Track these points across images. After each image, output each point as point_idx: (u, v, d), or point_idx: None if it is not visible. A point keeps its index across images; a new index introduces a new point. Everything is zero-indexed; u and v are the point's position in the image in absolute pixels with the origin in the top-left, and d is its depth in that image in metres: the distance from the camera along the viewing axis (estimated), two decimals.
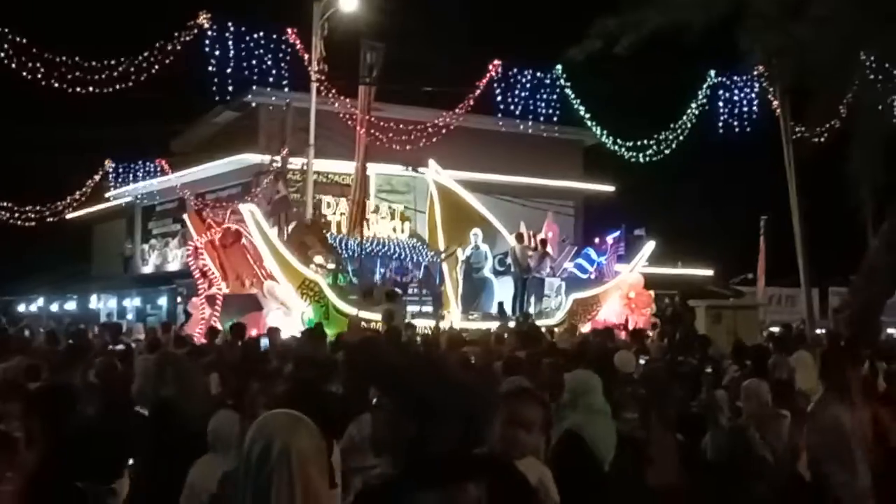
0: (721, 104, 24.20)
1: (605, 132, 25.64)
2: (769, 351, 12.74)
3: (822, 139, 22.61)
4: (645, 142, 25.00)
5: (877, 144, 21.19)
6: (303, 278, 18.73)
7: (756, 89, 23.55)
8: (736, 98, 23.89)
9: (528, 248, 21.76)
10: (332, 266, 19.98)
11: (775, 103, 22.63)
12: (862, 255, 21.80)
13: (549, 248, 22.45)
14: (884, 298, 21.75)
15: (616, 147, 25.22)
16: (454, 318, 20.34)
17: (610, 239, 24.69)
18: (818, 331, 20.80)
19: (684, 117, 24.65)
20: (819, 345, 16.00)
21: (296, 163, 25.23)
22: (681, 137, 24.58)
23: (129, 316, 32.38)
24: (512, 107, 23.91)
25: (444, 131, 25.43)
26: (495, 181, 26.81)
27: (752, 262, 29.75)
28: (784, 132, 21.73)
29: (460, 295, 21.46)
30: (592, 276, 23.89)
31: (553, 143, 29.04)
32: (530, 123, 26.18)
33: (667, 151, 24.68)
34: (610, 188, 31.80)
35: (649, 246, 23.96)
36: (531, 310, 20.90)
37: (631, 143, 25.06)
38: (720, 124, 23.95)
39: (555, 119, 24.90)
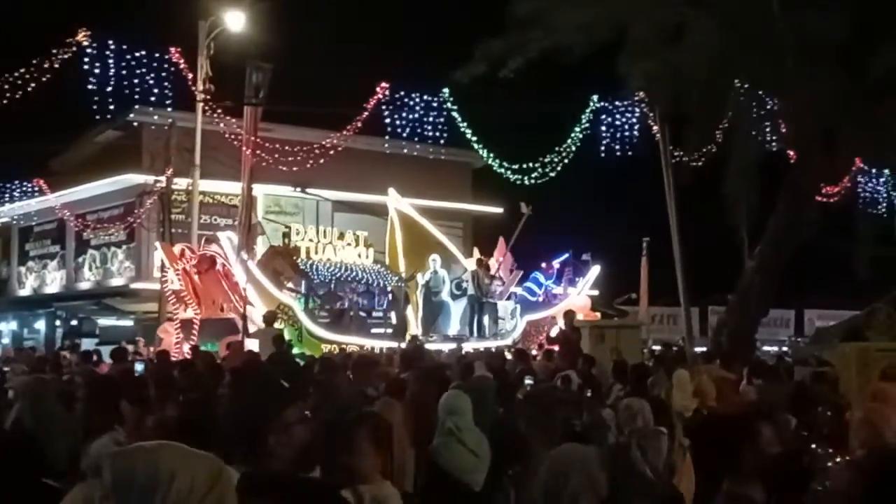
0: (604, 128, 24.62)
1: (491, 155, 25.83)
2: (649, 369, 13.13)
3: (700, 163, 23.16)
4: (531, 164, 25.23)
5: (751, 168, 21.81)
6: (278, 303, 19.35)
7: (637, 114, 24.03)
8: (618, 122, 24.33)
9: (487, 274, 22.67)
10: (303, 290, 20.72)
11: (655, 128, 23.06)
12: (739, 275, 22.38)
13: (498, 272, 23.54)
14: (758, 317, 22.38)
15: (502, 170, 25.39)
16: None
17: (556, 263, 25.18)
18: (697, 349, 21.18)
19: (568, 140, 24.99)
20: (696, 362, 16.36)
21: (181, 183, 24.67)
22: (565, 160, 24.90)
23: (5, 340, 31.05)
24: (400, 129, 23.89)
25: (331, 152, 25.25)
26: (384, 202, 26.68)
27: (635, 282, 30.30)
28: (664, 156, 22.11)
29: (420, 318, 22.30)
30: (541, 300, 24.41)
31: (441, 164, 29.19)
32: (418, 145, 26.20)
33: (552, 174, 24.96)
34: (498, 210, 32.00)
35: (594, 270, 24.64)
36: (486, 331, 22.09)
37: (517, 166, 25.26)
38: (602, 148, 24.33)
39: (442, 141, 24.95)
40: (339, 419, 4.62)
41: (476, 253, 24.33)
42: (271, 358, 13.08)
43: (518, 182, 25.32)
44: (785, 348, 28.60)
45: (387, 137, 24.91)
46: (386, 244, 24.39)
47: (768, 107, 22.53)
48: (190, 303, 20.05)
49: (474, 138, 25.15)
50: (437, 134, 24.66)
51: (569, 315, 19.76)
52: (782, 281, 22.43)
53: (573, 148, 24.96)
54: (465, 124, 24.69)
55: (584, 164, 25.78)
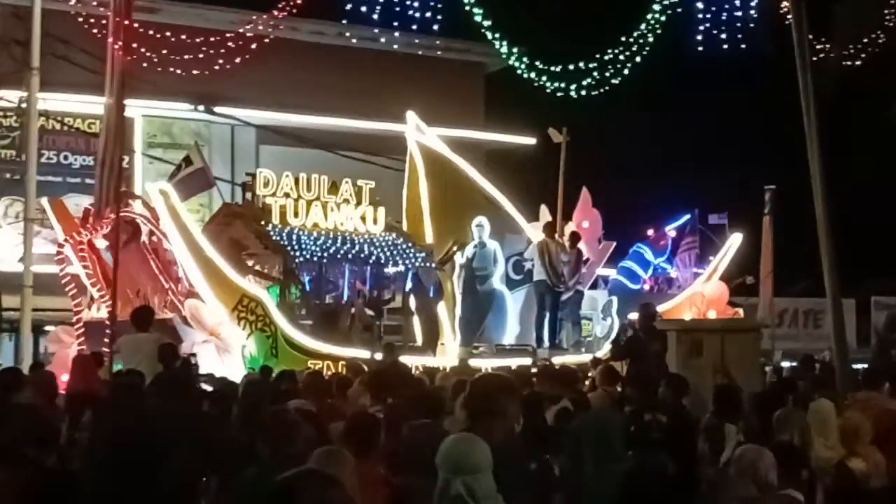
0: (700, 6, 24.30)
1: (516, 50, 25.59)
2: (775, 398, 12.96)
3: (858, 62, 22.96)
4: (582, 65, 25.00)
5: None
6: (240, 295, 19.70)
7: None
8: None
9: (562, 246, 23.26)
10: (277, 274, 21.26)
11: (785, 5, 22.80)
12: None
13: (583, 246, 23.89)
14: None
15: (534, 74, 25.17)
16: (449, 351, 21.78)
17: (671, 230, 26.47)
18: (855, 366, 21.01)
19: (641, 27, 24.73)
20: (858, 387, 16.25)
21: (8, 96, 24.67)
22: (635, 59, 24.66)
23: None
24: (366, 7, 23.55)
25: (254, 45, 25.03)
26: (339, 128, 26.49)
27: (753, 258, 30.03)
28: (799, 52, 21.83)
29: (458, 317, 22.94)
30: (648, 286, 25.74)
31: (436, 67, 29.29)
32: (395, 34, 26.01)
33: (615, 81, 24.71)
34: (529, 140, 31.89)
35: (735, 239, 25.23)
36: (565, 338, 22.85)
37: (559, 68, 25.02)
38: (698, 40, 24.04)
39: (436, 28, 24.64)
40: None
41: (545, 213, 24.43)
42: (159, 383, 12.90)
43: (560, 93, 25.07)
44: None
45: (344, 22, 24.63)
46: (404, 201, 24.59)
47: None
48: (99, 295, 20.34)
49: (487, 23, 24.87)
50: (428, 16, 24.32)
51: (646, 310, 19.91)
52: None
53: (648, 39, 24.67)
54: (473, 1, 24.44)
55: (664, 67, 25.66)
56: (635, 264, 26.17)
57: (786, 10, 22.95)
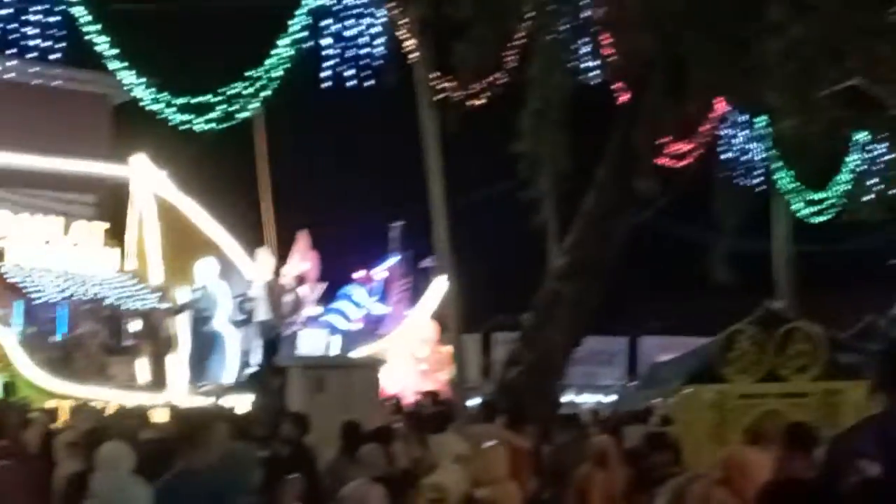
0: (328, 42, 24.39)
1: (144, 81, 25.02)
2: (393, 432, 14.01)
3: (482, 100, 23.36)
4: (208, 98, 24.65)
5: (558, 111, 22.13)
6: None
7: (381, 18, 23.95)
8: (349, 33, 24.14)
9: (285, 287, 23.65)
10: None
11: (410, 43, 23.08)
12: (538, 284, 22.80)
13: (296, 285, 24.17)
14: (568, 348, 22.83)
15: (160, 107, 24.67)
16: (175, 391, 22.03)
17: (381, 271, 26.66)
18: (469, 402, 21.47)
19: (270, 60, 24.59)
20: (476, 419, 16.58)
21: None
22: (263, 92, 24.49)
23: None
24: None
25: None
26: None
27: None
28: (422, 89, 22.19)
29: (185, 357, 23.45)
30: (360, 327, 26.16)
31: (56, 98, 28.20)
32: (16, 63, 25.08)
33: (241, 115, 24.48)
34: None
35: (442, 282, 25.00)
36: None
37: (184, 101, 24.59)
38: (325, 75, 24.14)
39: (56, 57, 23.92)
40: None
41: (265, 254, 24.26)
42: None
43: (186, 127, 24.66)
44: (611, 396, 29.53)
45: None
46: (131, 243, 24.83)
47: (586, 13, 22.98)
48: None
49: (112, 52, 24.27)
50: (48, 45, 23.54)
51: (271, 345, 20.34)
52: (605, 292, 22.95)
53: (276, 73, 24.54)
54: (96, 30, 23.77)
55: (294, 99, 25.72)
56: (347, 303, 26.36)
57: (411, 47, 23.32)
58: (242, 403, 20.09)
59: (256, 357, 22.78)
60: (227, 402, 20.68)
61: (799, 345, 11.16)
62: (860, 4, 20.21)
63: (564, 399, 25.75)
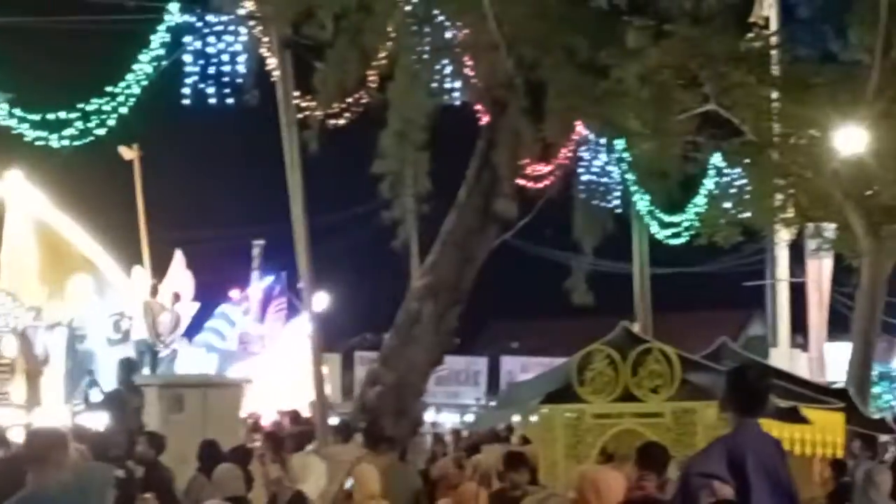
0: (189, 59, 24.10)
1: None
2: (250, 451, 13.64)
3: (342, 120, 23.37)
4: (66, 115, 24.22)
5: (419, 131, 22.20)
6: None
7: (242, 37, 23.76)
8: (211, 49, 23.89)
9: (163, 306, 23.88)
10: None
11: (273, 61, 22.97)
12: (400, 304, 23.01)
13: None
14: (428, 367, 22.90)
15: (14, 122, 24.17)
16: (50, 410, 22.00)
17: (256, 291, 26.75)
18: (333, 419, 21.36)
19: (129, 76, 24.27)
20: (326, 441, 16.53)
21: None
22: (122, 108, 24.16)
23: None
24: None
25: None
26: None
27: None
28: (284, 107, 22.09)
29: (63, 375, 23.33)
30: (235, 347, 26.59)
31: None
32: None
33: (98, 132, 24.10)
34: None
35: (320, 300, 25.69)
36: None
37: (38, 118, 24.14)
38: (186, 91, 23.85)
39: None
40: None
41: (139, 273, 24.60)
42: None
43: (42, 143, 24.22)
44: (472, 416, 29.63)
45: None
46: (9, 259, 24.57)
47: (448, 34, 23.10)
48: None
49: None
50: None
51: (127, 363, 20.48)
52: (467, 312, 23.06)
53: (135, 90, 24.22)
54: None
55: (156, 117, 25.49)
56: (222, 322, 26.42)
57: (273, 66, 23.22)
58: (102, 422, 19.86)
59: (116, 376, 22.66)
60: (91, 420, 20.37)
61: (653, 365, 11.28)
62: (715, 31, 20.65)
63: (426, 418, 25.81)
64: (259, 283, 27.54)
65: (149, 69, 24.54)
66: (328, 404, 22.72)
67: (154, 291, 23.85)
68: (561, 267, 27.77)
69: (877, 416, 17.30)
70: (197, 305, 26.19)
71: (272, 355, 26.00)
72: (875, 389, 30.83)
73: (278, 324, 27.43)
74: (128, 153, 26.09)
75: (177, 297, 24.27)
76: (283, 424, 20.92)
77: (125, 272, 25.59)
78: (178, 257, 26.08)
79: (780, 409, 9.97)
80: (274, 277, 27.66)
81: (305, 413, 22.19)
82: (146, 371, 22.76)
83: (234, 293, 27.53)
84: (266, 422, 22.44)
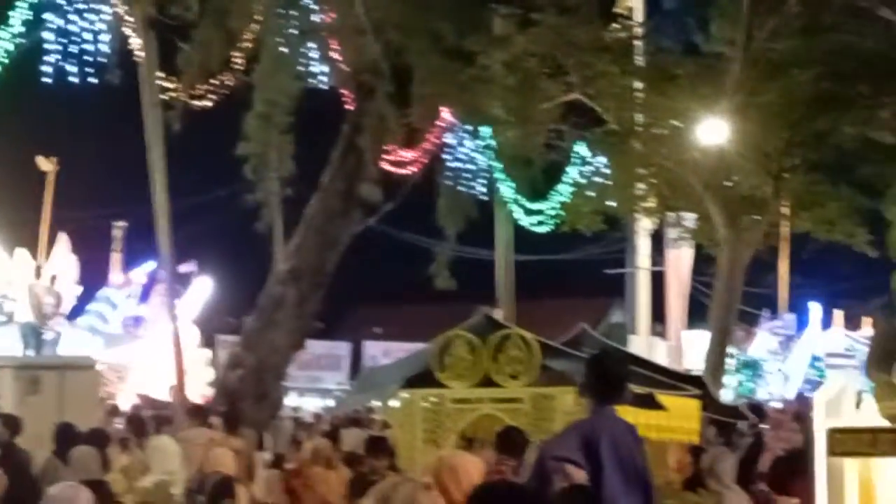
0: (50, 38, 23.70)
1: None
2: (108, 436, 13.62)
3: (208, 102, 23.23)
4: None
5: (282, 115, 22.24)
6: None
7: (105, 17, 23.41)
8: (74, 28, 23.51)
9: (48, 289, 23.38)
10: None
11: (136, 41, 22.70)
12: (263, 287, 22.87)
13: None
14: (290, 352, 22.86)
15: None
16: None
17: (140, 274, 26.89)
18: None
19: None
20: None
21: None
22: None
23: None
24: None
25: None
26: None
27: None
28: (146, 87, 21.88)
29: None
30: (118, 328, 26.24)
31: None
32: None
33: None
34: None
35: (203, 285, 25.85)
36: None
37: None
38: (46, 70, 23.47)
39: None
40: None
41: (22, 254, 24.05)
42: None
43: None
44: (334, 401, 29.58)
45: None
46: None
47: (315, 17, 23.07)
48: None
49: None
50: None
51: None
52: (330, 296, 23.06)
53: None
54: None
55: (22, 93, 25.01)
56: (104, 305, 26.09)
57: (137, 46, 22.92)
58: None
59: None
60: None
61: (513, 351, 11.30)
62: (581, 21, 20.81)
63: (287, 402, 25.73)
64: (145, 267, 27.23)
65: (9, 46, 24.09)
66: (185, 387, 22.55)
67: (38, 274, 23.42)
68: (426, 252, 27.85)
69: (734, 404, 17.57)
70: (80, 289, 25.85)
71: (155, 339, 25.59)
72: (737, 377, 31.42)
73: (162, 307, 27.13)
74: (45, 164, 25.50)
75: (53, 280, 23.88)
76: (142, 407, 20.73)
77: (7, 253, 25.06)
78: (63, 239, 25.67)
79: (637, 396, 10.03)
80: (157, 263, 27.46)
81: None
82: (31, 353, 22.63)
83: (116, 277, 27.19)
84: (125, 406, 22.13)
